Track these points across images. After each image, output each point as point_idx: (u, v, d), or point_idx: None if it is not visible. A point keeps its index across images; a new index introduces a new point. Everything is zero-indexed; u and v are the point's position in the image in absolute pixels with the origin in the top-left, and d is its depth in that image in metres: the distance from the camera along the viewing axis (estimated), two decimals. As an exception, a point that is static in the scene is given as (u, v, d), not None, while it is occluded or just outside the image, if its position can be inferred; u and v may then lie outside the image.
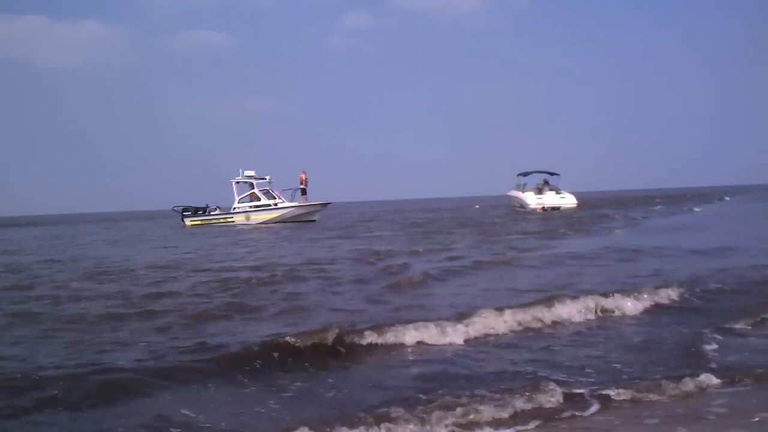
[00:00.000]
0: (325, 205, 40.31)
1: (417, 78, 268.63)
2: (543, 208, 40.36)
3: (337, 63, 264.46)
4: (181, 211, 40.63)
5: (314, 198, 39.90)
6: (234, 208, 39.30)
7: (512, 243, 18.19)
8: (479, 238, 20.63)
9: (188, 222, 39.49)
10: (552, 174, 43.44)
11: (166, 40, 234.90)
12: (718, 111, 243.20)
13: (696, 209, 38.44)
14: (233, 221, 38.64)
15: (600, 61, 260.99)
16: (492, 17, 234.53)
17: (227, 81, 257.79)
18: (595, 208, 41.45)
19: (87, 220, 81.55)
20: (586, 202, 48.48)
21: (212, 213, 40.09)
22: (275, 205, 38.78)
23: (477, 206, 63.65)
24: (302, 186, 39.22)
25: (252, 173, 39.62)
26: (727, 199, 51.25)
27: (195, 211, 40.27)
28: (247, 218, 38.44)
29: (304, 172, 39.38)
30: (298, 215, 38.69)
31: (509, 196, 47.06)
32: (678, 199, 59.47)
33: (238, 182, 39.65)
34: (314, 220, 39.47)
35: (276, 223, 37.77)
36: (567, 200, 41.45)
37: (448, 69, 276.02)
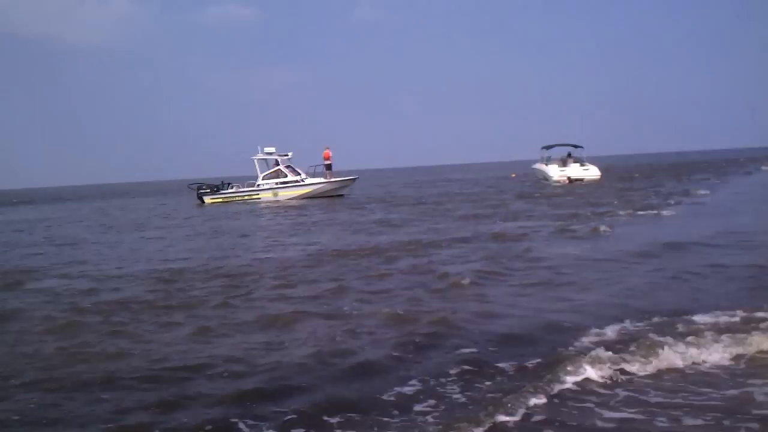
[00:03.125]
0: (353, 180, 41.02)
1: (444, 46, 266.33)
2: (567, 179, 41.07)
3: (362, 33, 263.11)
4: (197, 189, 41.42)
5: (336, 171, 40.73)
6: (258, 185, 39.81)
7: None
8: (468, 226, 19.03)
9: (208, 200, 40.11)
10: (576, 146, 44.31)
11: (193, 16, 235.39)
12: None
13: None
14: (259, 198, 39.26)
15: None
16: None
17: (254, 54, 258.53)
18: (621, 180, 41.97)
19: (105, 195, 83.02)
20: (609, 172, 48.92)
21: (230, 190, 40.79)
22: (302, 180, 39.33)
23: (513, 175, 63.64)
24: (327, 162, 39.92)
25: (272, 150, 40.15)
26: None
27: (213, 189, 40.99)
28: (275, 195, 39.08)
29: (328, 149, 40.11)
30: (326, 191, 39.47)
31: (533, 169, 48.03)
32: (709, 166, 58.63)
33: (260, 159, 40.12)
34: (342, 195, 40.11)
35: (304, 198, 38.35)
36: (590, 172, 42.36)
37: (475, 37, 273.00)
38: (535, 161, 47.98)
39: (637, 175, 51.57)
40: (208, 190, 40.89)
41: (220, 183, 41.58)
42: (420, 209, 27.42)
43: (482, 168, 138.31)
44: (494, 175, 75.72)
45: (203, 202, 40.09)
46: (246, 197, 39.70)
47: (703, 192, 28.31)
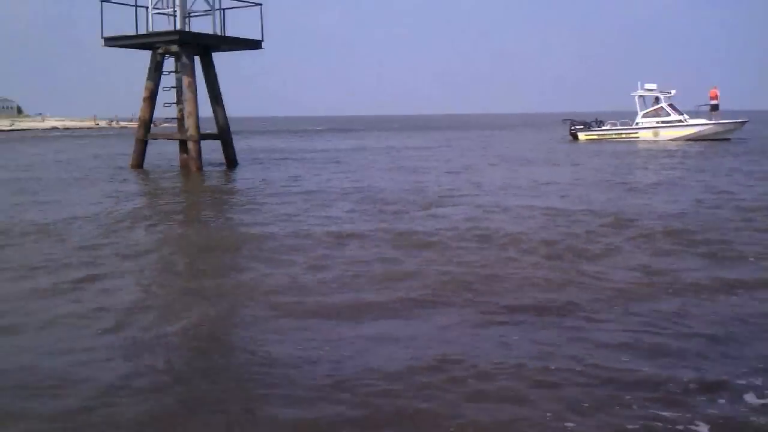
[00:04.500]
0: (742, 123, 38.19)
1: None
2: None
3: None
4: (570, 125, 41.64)
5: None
6: (637, 123, 39.01)
7: None
8: None
9: (582, 137, 40.29)
10: None
11: None
12: None
13: None
14: (638, 137, 38.49)
15: None
16: None
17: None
18: None
19: (475, 126, 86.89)
20: None
21: (605, 128, 40.47)
22: (685, 121, 37.69)
23: None
24: (714, 102, 37.92)
25: (653, 87, 38.81)
26: None
27: (585, 125, 40.99)
28: (656, 134, 38.06)
29: (716, 88, 38.15)
30: (712, 133, 37.31)
31: None
32: None
33: (640, 96, 39.08)
34: (729, 139, 37.63)
35: (686, 140, 36.79)
36: None
37: None
38: None
39: None
40: (581, 127, 41.16)
41: (593, 120, 41.77)
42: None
43: None
44: None
45: (576, 138, 40.44)
46: (623, 136, 39.13)
47: None
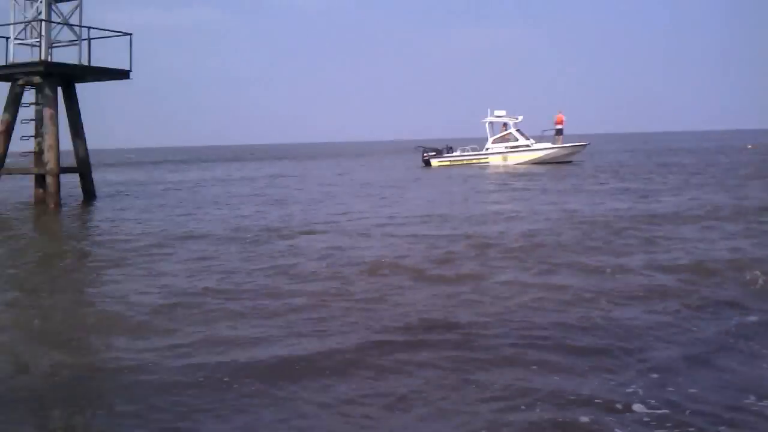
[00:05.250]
0: (583, 146, 41.28)
1: None
2: None
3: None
4: (422, 152, 43.31)
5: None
6: (487, 149, 41.11)
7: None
8: None
9: (435, 163, 41.96)
10: None
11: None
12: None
13: None
14: (488, 162, 40.53)
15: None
16: None
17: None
18: None
19: (330, 155, 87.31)
20: None
21: (456, 154, 42.47)
22: (532, 145, 40.13)
23: (750, 146, 59.84)
24: (559, 126, 40.58)
25: (503, 113, 41.15)
26: None
27: (437, 152, 42.72)
28: (505, 159, 40.25)
29: (561, 113, 40.84)
30: (557, 156, 39.96)
31: None
32: None
33: (491, 123, 41.29)
34: (571, 162, 40.43)
35: (534, 164, 39.13)
36: None
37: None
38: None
39: None
40: (433, 153, 42.63)
41: (444, 147, 43.39)
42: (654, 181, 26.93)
43: (719, 137, 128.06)
44: (725, 145, 71.33)
45: (429, 165, 41.85)
46: (474, 161, 41.12)
47: None
